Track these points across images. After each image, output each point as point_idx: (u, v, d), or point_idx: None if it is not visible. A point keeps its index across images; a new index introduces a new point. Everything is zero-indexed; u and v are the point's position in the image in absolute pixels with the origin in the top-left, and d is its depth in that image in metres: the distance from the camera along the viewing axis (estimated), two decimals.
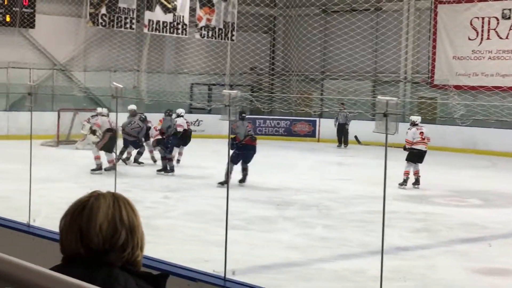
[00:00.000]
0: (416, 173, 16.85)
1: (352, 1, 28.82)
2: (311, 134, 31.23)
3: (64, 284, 1.35)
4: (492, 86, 27.01)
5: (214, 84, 31.99)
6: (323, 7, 31.55)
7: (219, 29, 30.92)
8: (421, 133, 17.18)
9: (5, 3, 27.36)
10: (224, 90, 4.80)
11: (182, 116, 19.71)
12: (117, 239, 2.03)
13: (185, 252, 8.95)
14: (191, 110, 30.84)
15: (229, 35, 31.12)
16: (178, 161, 19.28)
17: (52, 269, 1.96)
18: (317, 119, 31.23)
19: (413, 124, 17.48)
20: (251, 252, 9.40)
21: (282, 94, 31.16)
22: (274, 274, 8.37)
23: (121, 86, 6.26)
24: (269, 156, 23.36)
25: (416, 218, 12.75)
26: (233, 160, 15.25)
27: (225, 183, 14.56)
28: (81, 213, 2.05)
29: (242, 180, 16.33)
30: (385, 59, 30.43)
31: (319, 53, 32.25)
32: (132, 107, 19.47)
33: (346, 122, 28.22)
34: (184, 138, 19.40)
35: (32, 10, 28.08)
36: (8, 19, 27.50)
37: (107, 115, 19.35)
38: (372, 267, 8.14)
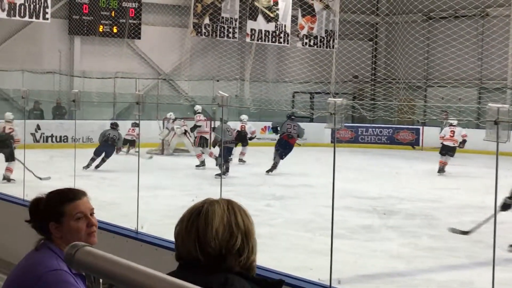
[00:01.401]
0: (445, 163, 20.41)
1: (455, 7, 28.30)
2: (415, 142, 30.76)
3: None
4: None
5: (317, 93, 31.93)
6: (428, 14, 31.10)
7: (321, 37, 30.89)
8: (452, 131, 20.61)
9: (112, 15, 28.22)
10: (329, 98, 4.77)
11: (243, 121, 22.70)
12: (233, 243, 2.04)
13: (289, 260, 8.95)
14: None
15: (331, 43, 31.06)
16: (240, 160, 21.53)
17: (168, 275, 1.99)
18: (421, 127, 30.74)
19: (450, 125, 21.05)
20: (356, 261, 9.31)
21: (387, 102, 30.79)
22: (379, 284, 8.27)
23: (226, 95, 6.32)
24: (372, 165, 23.18)
25: None
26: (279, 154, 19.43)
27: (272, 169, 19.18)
28: (197, 218, 2.08)
29: (269, 170, 19.22)
30: (492, 65, 29.74)
31: (423, 60, 31.76)
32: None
33: None
34: (240, 139, 21.37)
35: (138, 21, 28.85)
36: (115, 30, 28.36)
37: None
38: (481, 278, 7.93)
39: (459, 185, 18.07)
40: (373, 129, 31.47)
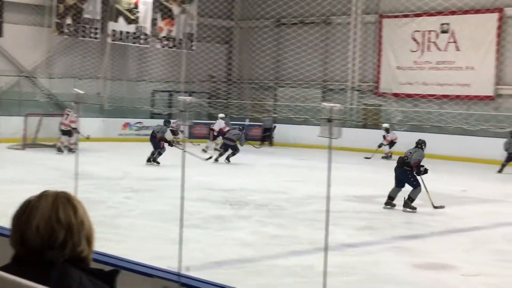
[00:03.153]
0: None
1: (303, 15, 29.03)
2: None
3: (16, 286, 1.29)
4: (431, 95, 27.51)
5: (174, 91, 31.85)
6: (276, 20, 31.73)
7: (179, 39, 30.96)
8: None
9: None
10: (180, 96, 4.75)
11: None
12: (55, 238, 1.96)
13: (144, 250, 8.86)
14: (152, 115, 30.61)
15: (189, 45, 31.18)
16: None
17: (2, 268, 1.90)
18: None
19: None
20: (207, 250, 9.33)
21: (236, 100, 31.24)
22: (228, 269, 8.32)
23: (82, 92, 6.17)
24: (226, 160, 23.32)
25: (362, 217, 12.80)
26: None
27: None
28: (22, 215, 2.00)
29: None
30: (333, 69, 30.83)
31: (272, 62, 32.37)
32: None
33: (271, 127, 30.62)
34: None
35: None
36: None
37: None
38: (321, 263, 8.07)
39: (303, 177, 18.49)
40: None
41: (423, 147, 14.07)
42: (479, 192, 17.12)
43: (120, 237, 9.89)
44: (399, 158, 14.11)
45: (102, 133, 26.87)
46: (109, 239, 8.94)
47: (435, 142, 22.63)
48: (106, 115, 27.16)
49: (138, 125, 29.02)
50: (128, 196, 14.25)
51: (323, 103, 4.13)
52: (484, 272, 8.71)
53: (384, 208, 13.64)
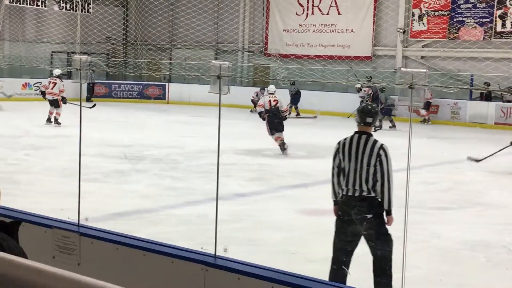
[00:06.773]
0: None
1: None
2: (162, 97, 31.03)
3: None
4: (315, 55, 27.92)
5: (72, 52, 30.96)
6: None
7: (77, 2, 30.13)
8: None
9: None
10: (75, 55, 4.65)
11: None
12: None
13: (45, 203, 8.68)
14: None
15: (86, 7, 30.40)
16: None
17: None
18: (167, 84, 31.07)
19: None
20: (107, 202, 9.25)
21: (132, 60, 30.78)
22: (127, 220, 8.29)
23: None
24: (124, 117, 23.05)
25: (252, 169, 12.97)
26: None
27: None
28: None
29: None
30: (225, 31, 30.78)
31: (168, 25, 32.02)
32: None
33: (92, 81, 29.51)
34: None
35: None
36: None
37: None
38: (213, 211, 8.21)
39: (197, 133, 18.49)
40: (125, 85, 31.23)
41: None
42: None
43: (21, 192, 9.65)
44: None
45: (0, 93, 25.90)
46: (9, 194, 8.69)
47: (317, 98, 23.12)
48: (5, 75, 26.12)
49: (38, 85, 28.08)
50: (28, 153, 13.86)
51: (213, 61, 4.15)
52: None
53: None
